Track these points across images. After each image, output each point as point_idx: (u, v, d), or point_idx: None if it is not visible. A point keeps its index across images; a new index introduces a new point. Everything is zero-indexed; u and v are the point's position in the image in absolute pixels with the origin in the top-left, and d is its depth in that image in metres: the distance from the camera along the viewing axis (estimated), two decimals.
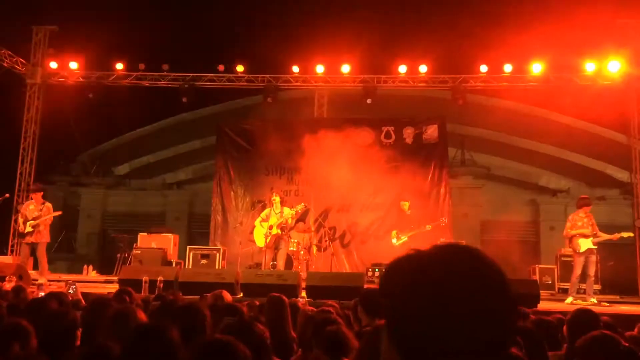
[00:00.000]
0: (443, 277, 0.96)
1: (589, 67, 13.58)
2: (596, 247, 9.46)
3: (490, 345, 0.94)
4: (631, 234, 9.53)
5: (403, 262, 1.04)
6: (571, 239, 9.52)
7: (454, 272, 0.97)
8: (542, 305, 8.03)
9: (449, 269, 0.97)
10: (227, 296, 4.97)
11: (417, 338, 0.95)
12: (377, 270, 12.57)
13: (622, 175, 16.23)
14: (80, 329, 3.45)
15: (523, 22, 12.69)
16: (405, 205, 11.56)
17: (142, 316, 3.09)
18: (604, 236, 9.46)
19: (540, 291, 9.56)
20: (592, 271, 9.44)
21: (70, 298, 5.31)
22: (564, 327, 3.88)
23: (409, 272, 1.00)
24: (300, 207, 11.12)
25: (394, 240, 11.56)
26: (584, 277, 9.55)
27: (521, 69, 13.97)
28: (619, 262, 13.49)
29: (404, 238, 11.34)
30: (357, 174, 14.11)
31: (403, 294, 0.98)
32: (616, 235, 9.44)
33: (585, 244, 9.36)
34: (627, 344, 2.75)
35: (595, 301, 9.31)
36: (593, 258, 9.43)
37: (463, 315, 0.93)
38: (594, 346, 2.69)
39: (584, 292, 9.63)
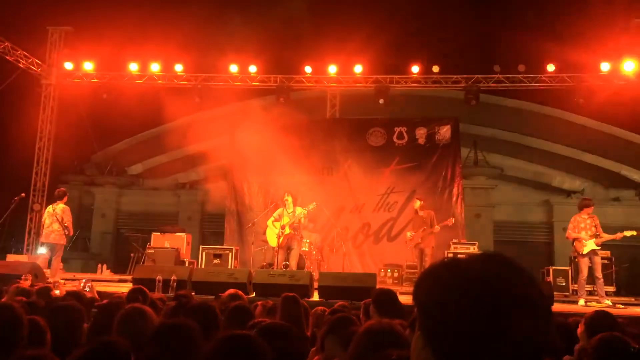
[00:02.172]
0: (484, 287, 0.98)
1: (604, 66, 13.45)
2: (599, 247, 9.46)
3: (527, 355, 0.96)
4: (634, 232, 9.46)
5: (441, 269, 1.06)
6: (574, 241, 9.53)
7: (495, 283, 0.99)
8: (556, 307, 7.98)
9: (491, 279, 0.99)
10: (243, 297, 4.99)
11: (455, 345, 0.97)
12: (389, 270, 12.58)
13: (637, 176, 16.07)
14: (88, 325, 3.49)
15: (537, 22, 12.62)
16: (417, 203, 11.49)
17: (152, 315, 3.11)
18: (607, 236, 9.43)
19: (554, 293, 9.54)
20: (599, 272, 9.40)
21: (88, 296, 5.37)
22: (579, 329, 3.85)
23: (449, 280, 1.02)
24: (312, 206, 11.12)
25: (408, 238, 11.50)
26: (593, 279, 9.52)
27: (535, 69, 13.88)
28: (634, 263, 13.38)
29: (418, 239, 11.28)
30: (369, 175, 14.15)
31: (442, 301, 1.00)
32: (619, 235, 9.39)
33: (587, 246, 9.36)
34: (636, 345, 2.73)
35: (610, 303, 9.24)
36: (597, 259, 9.43)
37: (503, 325, 0.95)
38: (604, 348, 2.69)
39: (598, 295, 9.58)
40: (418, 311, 1.05)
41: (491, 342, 0.95)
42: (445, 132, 14.15)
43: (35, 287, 5.76)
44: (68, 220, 10.60)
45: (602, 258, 11.37)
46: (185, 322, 2.24)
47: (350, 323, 3.29)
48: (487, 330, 0.95)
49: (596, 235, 9.40)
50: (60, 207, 10.65)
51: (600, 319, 3.80)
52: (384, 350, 2.17)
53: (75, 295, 4.13)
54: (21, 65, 14.65)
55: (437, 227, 11.10)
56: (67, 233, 10.56)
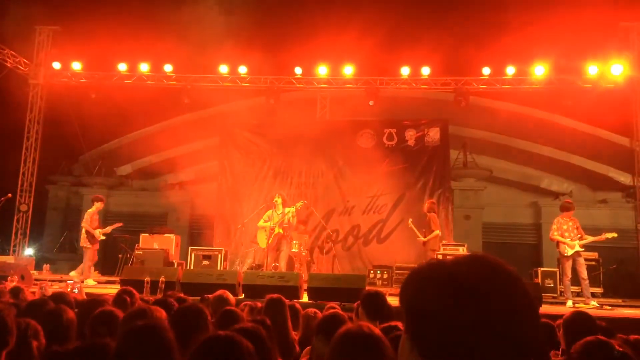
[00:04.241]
0: (470, 289, 0.98)
1: (592, 70, 13.57)
2: (583, 249, 9.56)
3: (514, 358, 0.96)
4: (615, 234, 9.59)
5: (426, 271, 1.06)
6: (558, 243, 9.63)
7: (481, 285, 0.99)
8: (544, 309, 8.02)
9: (477, 281, 0.99)
10: (231, 297, 4.96)
11: (442, 348, 0.97)
12: (378, 272, 12.59)
13: (624, 178, 16.19)
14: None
15: (526, 25, 12.68)
16: (425, 206, 11.43)
17: (161, 314, 3.06)
18: (589, 238, 9.54)
19: (542, 294, 9.60)
20: (584, 273, 9.50)
21: (75, 298, 5.31)
22: (560, 331, 3.86)
23: (434, 282, 1.02)
24: (299, 204, 11.11)
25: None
26: (577, 280, 9.62)
27: (524, 72, 13.97)
28: (621, 265, 13.47)
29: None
30: (359, 177, 14.16)
31: (428, 304, 1.00)
32: (601, 237, 9.51)
33: (572, 248, 9.46)
34: (621, 349, 2.74)
35: (597, 304, 9.33)
36: (581, 260, 9.55)
37: (488, 327, 0.95)
38: (588, 351, 2.69)
39: (584, 296, 9.67)
40: (404, 314, 1.05)
41: (477, 345, 0.94)
42: (434, 134, 14.20)
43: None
44: (86, 223, 11.36)
45: (590, 260, 11.48)
46: (237, 336, 2.16)
47: (340, 324, 3.28)
48: (473, 332, 0.95)
49: (579, 237, 9.52)
50: (87, 212, 11.59)
51: (578, 321, 3.80)
52: (362, 355, 2.15)
53: (59, 298, 4.08)
54: (8, 65, 14.51)
55: (438, 232, 10.96)
56: (90, 236, 11.33)
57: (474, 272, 1.00)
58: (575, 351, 2.75)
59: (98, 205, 11.51)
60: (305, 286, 8.86)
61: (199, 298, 6.33)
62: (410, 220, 11.18)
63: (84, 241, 11.38)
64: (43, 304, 3.61)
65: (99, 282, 11.23)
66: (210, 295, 5.24)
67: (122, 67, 14.83)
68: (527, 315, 0.98)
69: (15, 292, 5.35)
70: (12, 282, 7.29)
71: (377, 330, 2.46)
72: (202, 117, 17.36)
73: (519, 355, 0.96)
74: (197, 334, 2.53)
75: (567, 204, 10.00)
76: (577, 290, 10.13)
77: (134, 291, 5.08)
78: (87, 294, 7.14)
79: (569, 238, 9.55)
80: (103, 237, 11.53)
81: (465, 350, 0.95)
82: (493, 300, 0.96)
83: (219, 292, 5.07)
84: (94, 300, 3.94)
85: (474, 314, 0.95)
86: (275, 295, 4.44)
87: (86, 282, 10.36)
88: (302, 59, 14.56)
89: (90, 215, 11.45)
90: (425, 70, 14.22)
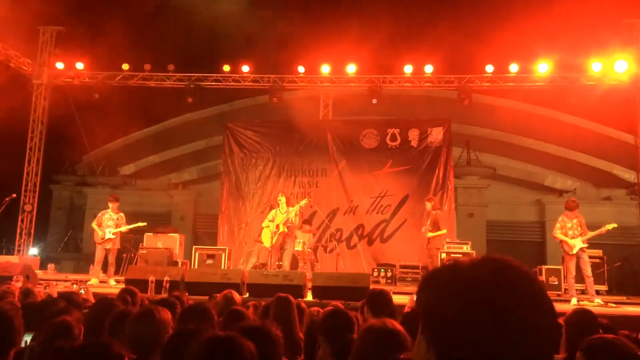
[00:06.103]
0: (488, 291, 0.98)
1: (596, 67, 13.51)
2: (586, 245, 9.55)
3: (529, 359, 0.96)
4: (615, 225, 9.59)
5: (443, 273, 1.06)
6: (562, 241, 9.63)
7: (498, 288, 0.99)
8: None
9: (494, 283, 1.00)
10: (237, 297, 4.97)
11: (459, 349, 0.97)
12: (382, 270, 12.60)
13: (628, 175, 16.17)
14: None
15: (529, 22, 12.65)
16: (428, 205, 11.41)
17: (167, 315, 3.05)
18: (592, 233, 9.55)
19: (547, 292, 9.58)
20: (588, 271, 9.48)
21: (82, 298, 5.34)
22: (562, 328, 3.84)
23: (452, 284, 1.02)
24: (303, 202, 11.11)
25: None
26: (582, 277, 9.61)
27: (527, 69, 13.92)
28: (626, 262, 13.45)
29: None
30: (362, 177, 14.18)
31: (446, 306, 1.00)
32: (602, 230, 9.51)
33: (575, 246, 9.46)
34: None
35: (601, 302, 9.31)
36: (585, 257, 9.54)
37: (506, 329, 0.95)
38: (602, 350, 2.64)
39: (588, 294, 9.66)
40: (421, 315, 1.05)
41: (495, 347, 0.95)
42: (437, 134, 14.17)
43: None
44: (94, 222, 11.31)
45: (594, 257, 11.45)
46: (237, 337, 2.11)
47: (343, 321, 3.28)
48: (491, 335, 0.95)
49: (582, 234, 9.52)
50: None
51: (580, 318, 3.78)
52: (390, 351, 2.17)
53: (67, 297, 4.10)
54: (12, 65, 14.54)
55: (428, 234, 10.93)
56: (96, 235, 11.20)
57: (490, 275, 1.01)
58: (586, 348, 2.68)
59: (111, 205, 11.39)
60: (309, 285, 8.86)
61: (206, 297, 6.33)
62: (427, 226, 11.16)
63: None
64: (54, 303, 3.63)
65: (103, 282, 11.24)
66: (217, 295, 5.24)
67: (125, 66, 14.84)
68: (544, 317, 0.99)
69: (26, 293, 5.38)
70: (17, 282, 7.31)
71: (398, 325, 2.49)
72: (205, 116, 17.40)
73: (535, 356, 0.96)
74: (202, 334, 2.54)
75: (571, 202, 10.00)
76: (582, 288, 10.11)
77: (137, 290, 5.08)
78: (93, 293, 7.16)
79: (572, 236, 9.54)
80: (109, 236, 11.13)
81: (481, 352, 0.95)
82: (509, 303, 0.97)
83: (226, 291, 5.08)
84: (104, 300, 3.96)
85: (490, 316, 0.95)
86: (283, 294, 4.45)
87: (92, 280, 10.39)
88: (305, 58, 14.55)
89: (99, 215, 11.38)
90: (428, 68, 14.19)
